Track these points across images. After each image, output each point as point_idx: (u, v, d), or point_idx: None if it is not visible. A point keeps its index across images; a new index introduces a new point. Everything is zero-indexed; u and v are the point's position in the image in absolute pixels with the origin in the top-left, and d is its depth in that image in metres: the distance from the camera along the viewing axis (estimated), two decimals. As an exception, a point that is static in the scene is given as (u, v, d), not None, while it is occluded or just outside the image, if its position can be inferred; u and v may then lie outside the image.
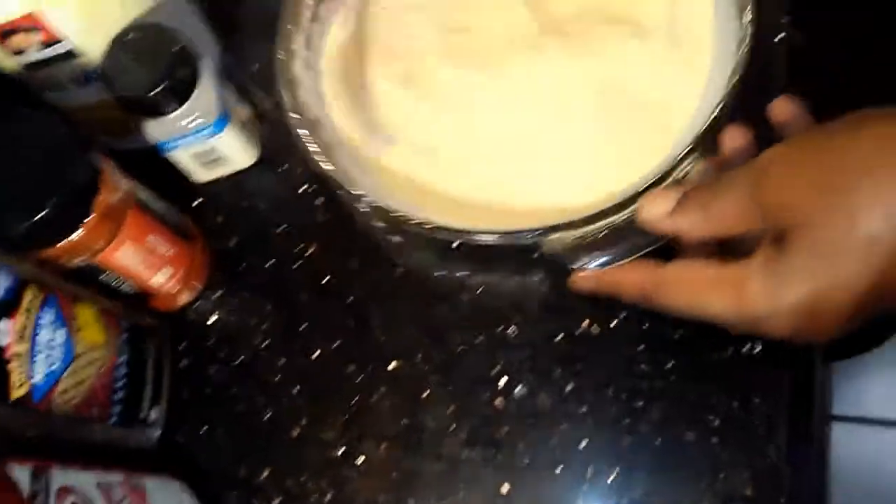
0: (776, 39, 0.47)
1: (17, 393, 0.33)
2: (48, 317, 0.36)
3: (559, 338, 0.44)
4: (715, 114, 0.37)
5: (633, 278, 0.36)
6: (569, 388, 0.43)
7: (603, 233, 0.37)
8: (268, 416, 0.45)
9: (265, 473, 0.43)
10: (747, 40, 0.38)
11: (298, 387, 0.45)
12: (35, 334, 0.35)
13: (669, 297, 0.34)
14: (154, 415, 0.42)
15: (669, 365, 0.42)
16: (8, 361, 0.33)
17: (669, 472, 0.40)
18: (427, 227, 0.39)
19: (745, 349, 0.41)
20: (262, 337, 0.47)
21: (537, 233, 0.37)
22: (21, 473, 0.31)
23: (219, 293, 0.48)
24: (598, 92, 0.43)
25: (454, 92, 0.45)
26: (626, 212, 0.36)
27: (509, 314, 0.45)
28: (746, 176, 0.31)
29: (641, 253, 0.36)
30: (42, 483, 0.31)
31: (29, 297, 0.35)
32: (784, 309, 0.30)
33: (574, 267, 0.37)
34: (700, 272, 0.33)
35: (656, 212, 0.34)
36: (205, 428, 0.45)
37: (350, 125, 0.46)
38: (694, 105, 0.41)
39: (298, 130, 0.43)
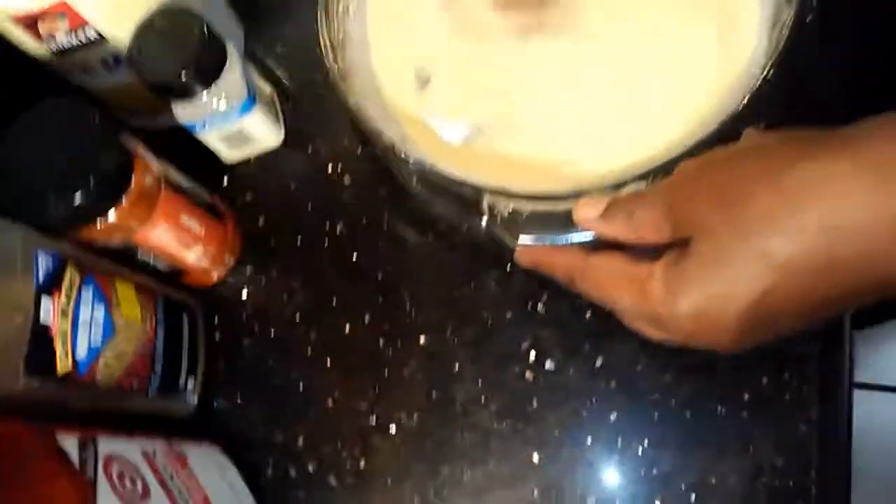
0: (808, 20, 0.46)
1: (62, 368, 0.34)
2: (88, 294, 0.37)
3: (588, 314, 0.44)
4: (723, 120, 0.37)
5: (563, 261, 0.37)
6: (598, 363, 0.43)
7: (541, 214, 0.38)
8: (301, 387, 0.46)
9: (301, 441, 0.44)
10: (788, 22, 0.37)
11: (330, 360, 0.46)
12: (77, 312, 0.36)
13: (587, 284, 0.35)
14: (191, 385, 0.43)
15: (699, 340, 0.42)
16: (53, 339, 0.34)
17: (699, 445, 0.41)
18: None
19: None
20: (294, 312, 0.47)
21: (475, 188, 0.38)
22: (69, 443, 0.32)
23: (249, 270, 0.49)
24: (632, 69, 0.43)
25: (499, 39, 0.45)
26: (565, 203, 0.37)
27: (538, 290, 0.45)
28: (663, 190, 0.32)
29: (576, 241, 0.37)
30: (89, 452, 0.32)
31: (69, 276, 0.36)
32: (679, 313, 0.30)
33: (515, 241, 0.38)
34: (614, 265, 0.34)
35: (586, 215, 0.35)
36: (240, 398, 0.46)
37: (388, 65, 0.46)
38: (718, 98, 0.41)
39: (331, 65, 0.42)
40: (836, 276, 0.27)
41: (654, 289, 0.31)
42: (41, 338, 0.34)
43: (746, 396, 0.41)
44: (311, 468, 0.44)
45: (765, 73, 0.37)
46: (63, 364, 0.34)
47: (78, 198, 0.35)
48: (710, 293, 0.29)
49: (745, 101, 0.36)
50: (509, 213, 0.38)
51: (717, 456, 0.41)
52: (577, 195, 0.36)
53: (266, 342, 0.47)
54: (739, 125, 0.36)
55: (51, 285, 0.35)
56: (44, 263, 0.34)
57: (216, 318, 0.48)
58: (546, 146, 0.42)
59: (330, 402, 0.45)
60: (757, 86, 0.37)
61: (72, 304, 0.35)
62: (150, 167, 0.39)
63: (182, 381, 0.43)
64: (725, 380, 0.41)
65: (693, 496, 0.40)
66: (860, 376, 1.12)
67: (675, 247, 0.31)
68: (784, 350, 0.41)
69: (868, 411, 1.08)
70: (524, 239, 0.38)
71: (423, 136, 0.44)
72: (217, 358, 0.47)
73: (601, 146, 0.41)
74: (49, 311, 0.34)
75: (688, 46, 0.42)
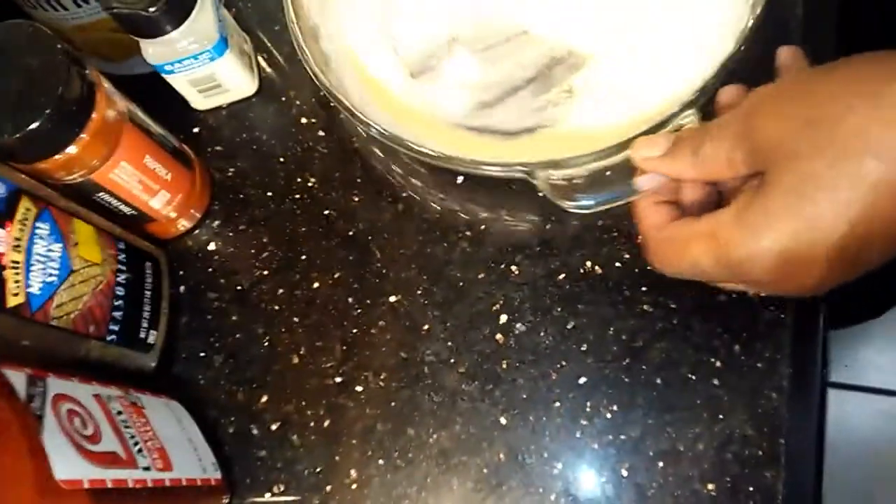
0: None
1: (13, 301, 0.33)
2: (44, 229, 0.35)
3: (562, 277, 0.43)
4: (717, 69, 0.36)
5: (642, 223, 0.35)
6: (570, 326, 0.42)
7: (593, 174, 0.36)
8: (266, 344, 0.44)
9: (264, 398, 0.43)
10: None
11: (297, 317, 0.45)
12: (31, 245, 0.34)
13: (656, 262, 0.34)
14: (152, 338, 0.42)
15: (672, 306, 0.42)
16: (3, 268, 0.32)
17: (668, 412, 0.40)
18: (426, 153, 0.39)
19: (749, 292, 0.41)
20: (262, 267, 0.46)
21: (525, 168, 0.37)
22: (17, 378, 0.30)
23: (217, 222, 0.48)
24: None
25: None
26: (618, 157, 0.36)
27: (512, 252, 0.44)
28: (735, 118, 0.30)
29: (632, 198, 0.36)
30: (38, 388, 0.31)
31: (24, 207, 0.34)
32: (761, 254, 0.28)
33: (568, 205, 0.37)
34: (678, 231, 0.32)
35: (646, 154, 0.33)
36: (203, 354, 0.44)
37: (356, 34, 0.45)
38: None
39: (300, 42, 0.41)
40: None
41: (730, 234, 0.29)
42: (-9, 268, 0.32)
43: (718, 364, 0.41)
44: (273, 426, 0.43)
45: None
46: (13, 297, 0.33)
47: (34, 124, 0.34)
48: (797, 226, 0.27)
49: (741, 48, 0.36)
50: (562, 182, 0.37)
51: (687, 423, 0.40)
52: (627, 142, 0.35)
53: (232, 297, 0.46)
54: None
55: (3, 215, 0.33)
56: (-4, 191, 0.33)
57: (181, 270, 0.46)
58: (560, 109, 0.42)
59: (295, 360, 0.44)
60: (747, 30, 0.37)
61: (26, 236, 0.34)
62: (114, 101, 0.38)
63: (143, 333, 0.42)
64: (698, 346, 0.41)
65: (661, 463, 0.39)
66: (834, 376, 1.13)
67: (746, 188, 0.30)
68: (757, 317, 0.41)
69: (841, 411, 1.09)
70: (582, 202, 0.37)
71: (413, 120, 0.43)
72: (180, 312, 0.46)
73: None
74: (0, 240, 0.33)
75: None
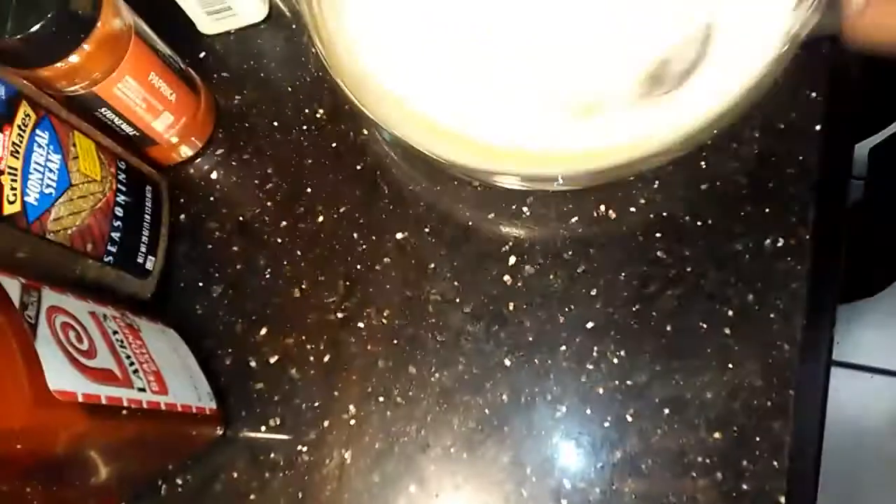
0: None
1: (9, 209, 0.31)
2: (43, 138, 0.34)
3: (574, 220, 0.42)
4: None
5: None
6: (580, 270, 0.41)
7: None
8: (267, 276, 0.43)
9: (262, 331, 0.42)
10: None
11: (300, 250, 0.43)
12: (29, 152, 0.33)
13: (870, 22, 0.33)
14: (150, 263, 0.41)
15: (686, 254, 0.41)
16: (0, 173, 0.31)
17: (677, 360, 0.39)
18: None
19: (766, 243, 0.40)
20: (265, 198, 0.45)
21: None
22: (10, 285, 0.29)
23: (221, 151, 0.46)
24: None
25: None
26: None
27: (523, 193, 0.43)
28: None
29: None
30: (33, 298, 0.30)
31: (23, 112, 0.33)
32: None
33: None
34: None
35: None
36: (201, 284, 0.43)
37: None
38: None
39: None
40: None
41: None
42: (-13, 172, 0.31)
43: (731, 313, 0.40)
44: (271, 360, 0.42)
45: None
46: (10, 204, 0.32)
47: (37, 26, 0.32)
48: None
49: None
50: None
51: (695, 371, 0.39)
52: None
53: (233, 227, 0.44)
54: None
55: (2, 117, 0.32)
56: (-5, 91, 0.31)
57: (182, 198, 0.45)
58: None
59: (297, 293, 0.43)
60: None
61: (24, 143, 0.32)
62: (120, 12, 0.36)
63: (141, 258, 0.41)
64: (711, 295, 0.40)
65: (667, 410, 0.39)
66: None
67: None
68: (773, 268, 0.40)
69: (838, 389, 1.09)
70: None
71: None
72: (180, 240, 0.44)
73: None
74: (-3, 144, 0.31)
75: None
